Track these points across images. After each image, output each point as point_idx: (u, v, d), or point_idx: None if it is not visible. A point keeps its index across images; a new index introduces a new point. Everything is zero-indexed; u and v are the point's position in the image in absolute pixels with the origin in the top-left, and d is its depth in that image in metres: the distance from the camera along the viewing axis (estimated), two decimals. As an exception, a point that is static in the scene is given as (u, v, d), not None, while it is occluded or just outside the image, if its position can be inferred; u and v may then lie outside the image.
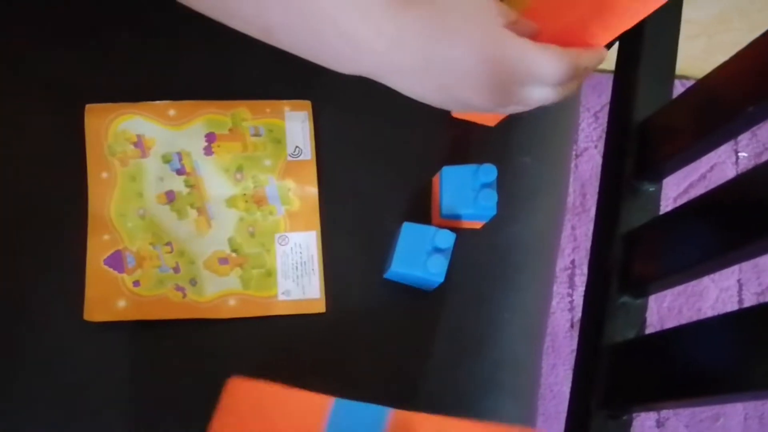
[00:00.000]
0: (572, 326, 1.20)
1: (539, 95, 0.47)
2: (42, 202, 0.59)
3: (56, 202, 0.59)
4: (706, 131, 0.49)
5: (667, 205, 0.57)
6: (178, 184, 0.60)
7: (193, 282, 0.58)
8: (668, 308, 1.23)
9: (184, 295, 0.58)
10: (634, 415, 0.57)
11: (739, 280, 1.26)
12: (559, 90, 0.47)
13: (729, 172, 1.30)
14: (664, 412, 1.19)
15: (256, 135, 0.62)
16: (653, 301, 1.22)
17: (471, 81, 0.45)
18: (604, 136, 0.69)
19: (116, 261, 0.58)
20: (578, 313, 1.20)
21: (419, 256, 0.57)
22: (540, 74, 0.44)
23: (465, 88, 0.45)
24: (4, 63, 0.62)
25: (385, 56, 0.44)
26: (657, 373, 0.51)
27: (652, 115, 0.58)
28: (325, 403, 0.46)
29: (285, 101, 0.63)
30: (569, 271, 1.23)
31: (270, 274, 0.59)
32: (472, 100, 0.46)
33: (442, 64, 0.44)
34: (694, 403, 0.47)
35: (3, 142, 0.60)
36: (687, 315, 1.23)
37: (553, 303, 1.21)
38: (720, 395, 0.45)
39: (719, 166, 1.30)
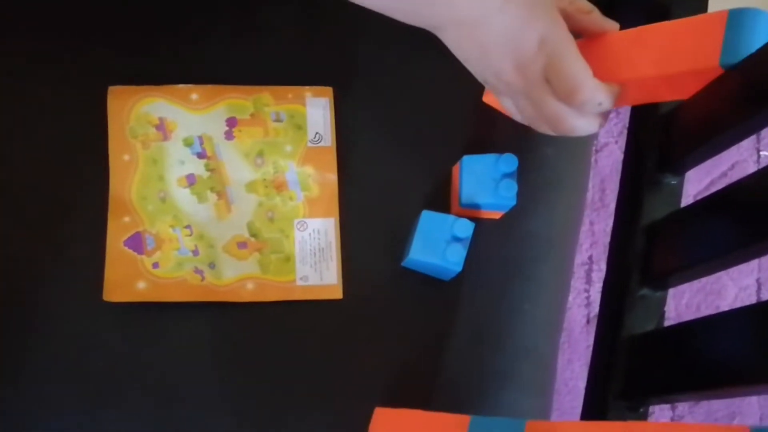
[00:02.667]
0: (588, 322, 1.20)
1: (578, 123, 0.48)
2: (63, 183, 0.60)
3: (77, 183, 0.60)
4: (731, 123, 0.49)
5: (687, 202, 0.57)
6: (199, 167, 0.60)
7: (212, 265, 0.59)
8: (686, 305, 1.22)
9: (203, 278, 0.58)
10: (650, 412, 0.57)
11: (758, 279, 1.25)
12: (599, 122, 0.49)
13: (750, 171, 1.28)
14: (679, 410, 1.18)
15: (278, 120, 0.62)
16: (672, 298, 1.22)
17: (511, 51, 0.46)
18: (625, 131, 0.68)
19: (136, 243, 0.58)
20: (595, 309, 1.20)
21: (438, 245, 0.57)
22: (585, 95, 0.46)
23: (503, 56, 0.46)
24: (30, 45, 0.62)
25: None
26: (675, 365, 0.51)
27: (676, 107, 0.57)
28: (463, 422, 0.48)
29: (307, 87, 0.63)
30: (587, 267, 1.22)
31: (288, 259, 0.60)
32: (504, 73, 0.47)
33: (499, 24, 0.45)
34: (712, 395, 0.47)
35: (26, 124, 0.61)
36: (705, 313, 1.22)
37: (570, 298, 1.20)
38: (738, 387, 0.45)
39: (741, 164, 1.28)
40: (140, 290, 0.57)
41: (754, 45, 0.47)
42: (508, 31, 0.45)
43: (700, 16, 0.50)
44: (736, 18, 0.48)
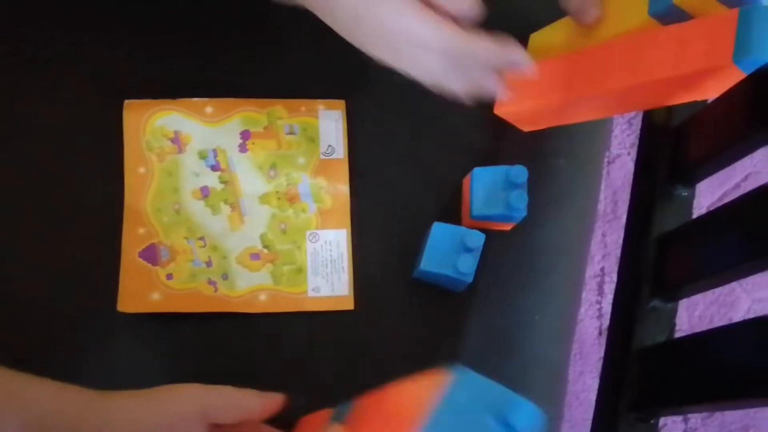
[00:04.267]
0: (600, 334, 1.19)
1: (421, 57, 0.50)
2: (80, 195, 0.61)
3: (94, 195, 0.61)
4: (743, 134, 0.49)
5: (700, 214, 0.57)
6: (212, 180, 0.61)
7: (225, 276, 0.59)
8: (699, 317, 1.22)
9: (216, 289, 0.59)
10: (662, 424, 0.56)
11: (772, 292, 1.24)
12: (444, 63, 0.50)
13: (764, 182, 1.28)
14: (692, 422, 1.17)
15: (291, 133, 0.63)
16: (684, 309, 1.21)
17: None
18: (637, 142, 0.68)
19: (151, 254, 0.59)
20: (607, 321, 1.19)
21: (449, 256, 0.57)
22: (414, 32, 0.48)
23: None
24: (46, 58, 0.63)
25: None
26: (687, 376, 0.51)
27: (688, 118, 0.57)
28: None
29: (319, 100, 0.63)
30: (599, 279, 1.22)
31: (300, 270, 0.60)
32: (386, 23, 0.49)
33: None
34: (724, 407, 0.47)
35: (43, 136, 0.62)
36: (718, 325, 1.21)
37: (582, 310, 1.20)
38: (751, 399, 0.44)
39: (754, 175, 1.28)
40: (154, 301, 0.58)
41: (766, 41, 0.47)
42: None
43: (711, 17, 0.50)
44: (746, 14, 0.48)
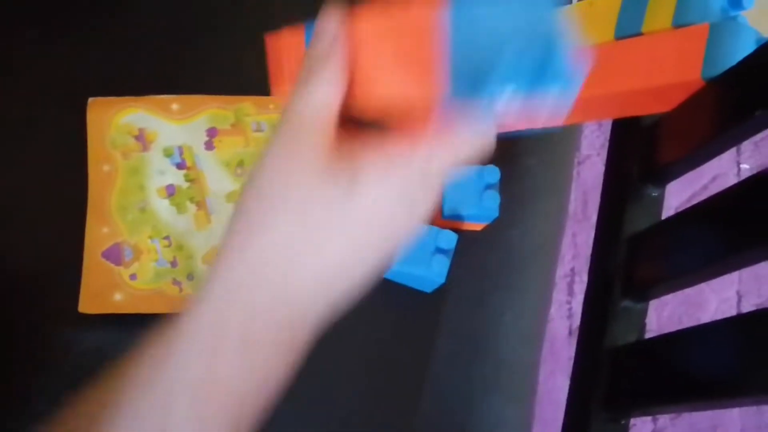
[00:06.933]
0: (570, 334, 1.20)
1: None
2: (43, 194, 0.59)
3: (57, 193, 0.59)
4: (713, 135, 0.49)
5: (668, 214, 0.57)
6: (178, 178, 0.60)
7: (191, 277, 0.58)
8: (668, 317, 1.23)
9: (181, 290, 0.57)
10: (632, 424, 0.56)
11: (738, 291, 1.26)
12: None
13: (731, 184, 1.29)
14: (661, 423, 1.18)
15: (259, 130, 0.61)
16: (653, 310, 1.22)
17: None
18: (606, 143, 0.69)
19: (114, 254, 0.57)
20: (577, 321, 1.19)
21: (421, 256, 0.57)
22: None
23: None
24: (9, 57, 0.62)
25: None
26: (657, 377, 0.51)
27: (658, 119, 0.57)
28: None
29: (288, 98, 0.62)
30: (569, 279, 1.23)
31: (269, 270, 0.59)
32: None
33: None
34: (694, 408, 0.47)
35: (6, 135, 0.60)
36: (687, 325, 1.22)
37: (552, 310, 1.20)
38: (720, 400, 0.45)
39: (721, 177, 1.29)
40: (116, 302, 0.56)
41: (735, 57, 0.47)
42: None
43: (680, 30, 0.50)
44: (716, 31, 0.48)
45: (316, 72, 0.31)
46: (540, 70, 0.29)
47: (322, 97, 0.31)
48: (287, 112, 0.32)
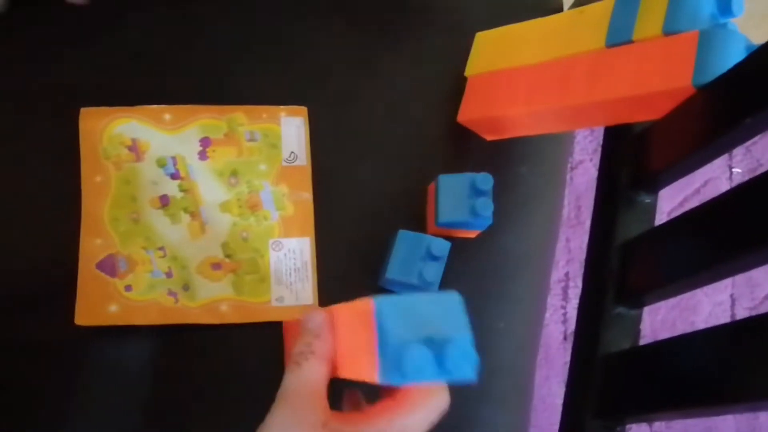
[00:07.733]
0: (565, 338, 1.20)
1: None
2: (36, 205, 0.59)
3: (50, 205, 0.59)
4: (704, 142, 0.49)
5: (661, 219, 0.58)
6: (172, 188, 0.60)
7: (186, 287, 0.58)
8: (662, 321, 1.23)
9: (176, 300, 0.57)
10: (628, 427, 0.56)
11: (731, 295, 1.26)
12: None
13: (723, 188, 1.30)
14: (656, 426, 1.18)
15: (252, 140, 0.61)
16: (647, 314, 1.22)
17: None
18: (599, 149, 0.69)
19: (108, 265, 0.57)
20: (572, 326, 1.20)
21: (414, 264, 0.57)
22: None
23: None
24: (2, 66, 0.61)
25: None
26: (651, 383, 0.51)
27: (650, 126, 0.57)
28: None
29: (281, 107, 0.63)
30: (563, 284, 1.23)
31: (263, 279, 0.59)
32: None
33: None
34: (688, 414, 0.47)
35: (-3, 144, 0.60)
36: (680, 329, 1.23)
37: (547, 315, 1.20)
38: (714, 406, 0.45)
39: (713, 181, 1.30)
40: (112, 314, 0.56)
41: (725, 65, 0.47)
42: None
43: (671, 37, 0.50)
44: (707, 38, 0.48)
45: (307, 356, 0.41)
46: (441, 358, 0.37)
47: (313, 375, 0.41)
48: (286, 389, 0.41)
